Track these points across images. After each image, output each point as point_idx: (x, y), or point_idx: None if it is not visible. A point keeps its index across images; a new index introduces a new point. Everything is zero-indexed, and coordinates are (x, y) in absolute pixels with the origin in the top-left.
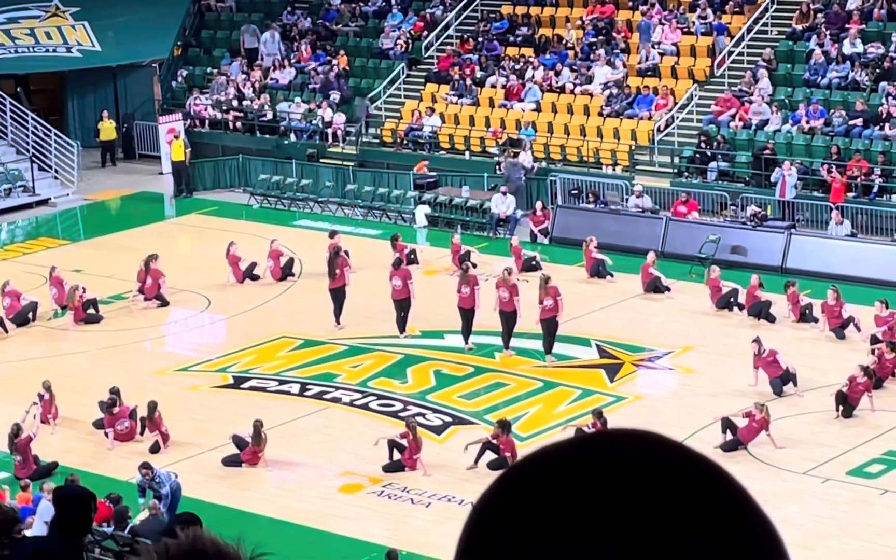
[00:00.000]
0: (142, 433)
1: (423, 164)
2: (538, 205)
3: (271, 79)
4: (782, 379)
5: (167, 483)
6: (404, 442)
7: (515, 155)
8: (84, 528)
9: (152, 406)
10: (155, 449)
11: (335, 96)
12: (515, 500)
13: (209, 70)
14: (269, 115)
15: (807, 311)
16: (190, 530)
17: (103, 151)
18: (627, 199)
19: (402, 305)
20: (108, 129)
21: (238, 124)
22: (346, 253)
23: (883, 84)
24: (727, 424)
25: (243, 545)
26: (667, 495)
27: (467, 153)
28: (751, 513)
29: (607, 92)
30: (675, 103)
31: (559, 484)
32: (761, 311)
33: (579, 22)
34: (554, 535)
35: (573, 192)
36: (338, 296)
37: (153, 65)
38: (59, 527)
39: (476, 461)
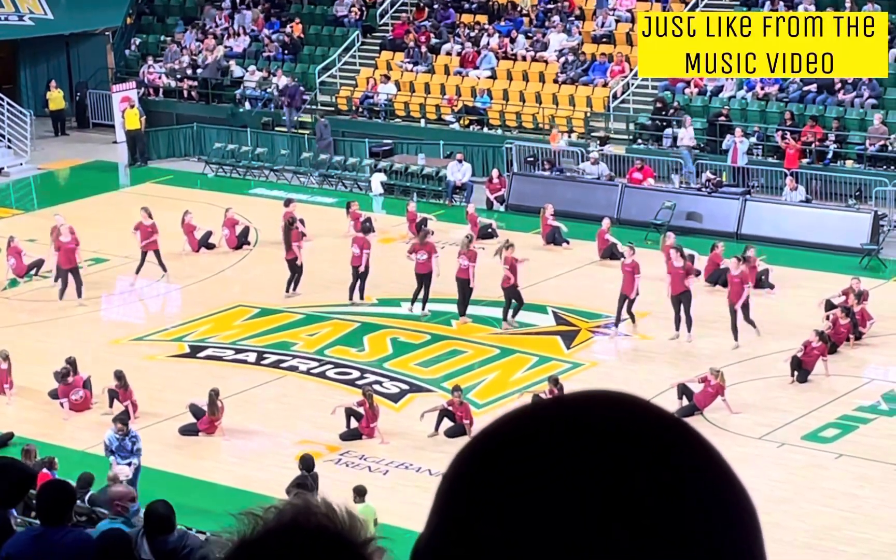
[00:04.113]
0: (111, 405)
1: (557, 134)
2: (494, 172)
3: (225, 46)
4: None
5: (139, 441)
6: (361, 410)
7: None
8: (11, 500)
9: (121, 375)
10: (124, 417)
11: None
12: (491, 461)
13: (163, 38)
14: (223, 75)
15: (763, 277)
16: (293, 503)
17: (54, 121)
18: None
19: (357, 272)
20: (56, 99)
21: (193, 93)
22: (302, 221)
23: None
24: (683, 390)
25: (361, 523)
26: (643, 453)
27: (423, 121)
28: (726, 475)
29: (562, 59)
30: (631, 70)
31: (535, 444)
32: (719, 278)
33: None
34: (532, 493)
35: (529, 159)
36: (294, 266)
37: (106, 33)
38: None
39: (436, 429)
